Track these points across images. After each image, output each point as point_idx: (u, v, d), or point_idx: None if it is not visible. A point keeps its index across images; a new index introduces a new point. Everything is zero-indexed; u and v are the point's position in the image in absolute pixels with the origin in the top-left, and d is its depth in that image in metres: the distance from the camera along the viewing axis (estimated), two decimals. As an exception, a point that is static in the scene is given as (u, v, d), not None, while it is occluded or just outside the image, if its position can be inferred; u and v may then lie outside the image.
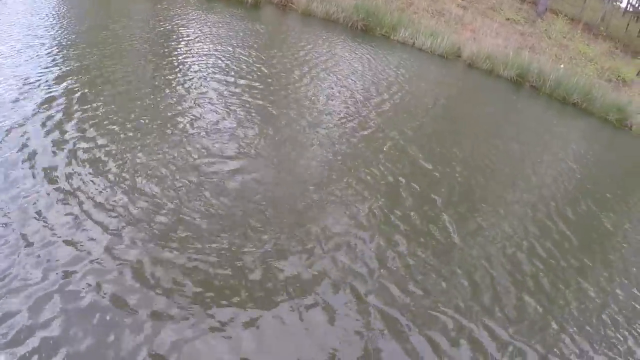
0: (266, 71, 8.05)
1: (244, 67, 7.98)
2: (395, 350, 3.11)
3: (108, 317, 2.73)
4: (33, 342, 2.49)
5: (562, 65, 14.78)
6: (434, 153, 6.57)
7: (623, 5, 31.00)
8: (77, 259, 3.03)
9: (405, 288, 3.68)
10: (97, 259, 3.08)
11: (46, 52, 6.57)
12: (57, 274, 2.89)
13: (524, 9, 20.31)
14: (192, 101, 6.04)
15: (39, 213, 3.32)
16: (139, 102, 5.58)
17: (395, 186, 5.33)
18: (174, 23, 9.93)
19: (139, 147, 4.56)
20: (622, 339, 3.95)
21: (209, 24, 10.62)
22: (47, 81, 5.57)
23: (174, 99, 5.99)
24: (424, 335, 3.29)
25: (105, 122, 4.86)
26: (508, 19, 18.74)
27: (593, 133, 12.35)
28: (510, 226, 5.30)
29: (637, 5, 30.75)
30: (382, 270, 3.81)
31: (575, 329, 3.87)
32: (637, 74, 17.51)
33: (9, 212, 3.26)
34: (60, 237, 3.17)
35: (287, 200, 4.47)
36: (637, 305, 4.53)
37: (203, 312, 2.94)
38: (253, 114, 6.10)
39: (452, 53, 14.04)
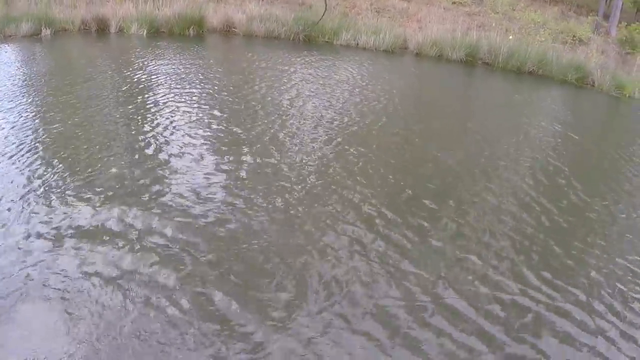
0: (220, 99, 8.11)
1: (208, 99, 8.04)
2: None
3: None
4: None
5: (511, 37, 14.54)
6: (408, 155, 6.48)
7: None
8: None
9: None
10: None
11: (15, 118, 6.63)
12: None
13: (469, -10, 20.18)
14: (165, 139, 6.15)
15: None
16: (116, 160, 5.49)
17: (380, 191, 5.36)
18: (130, 70, 9.79)
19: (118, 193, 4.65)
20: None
21: (163, 63, 10.63)
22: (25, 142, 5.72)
23: (150, 145, 6.01)
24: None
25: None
26: (454, 3, 18.59)
27: (555, 97, 12.11)
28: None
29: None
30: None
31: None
32: (593, 32, 17.34)
33: None
34: None
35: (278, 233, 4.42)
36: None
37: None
38: (229, 146, 6.16)
39: (398, 46, 13.84)
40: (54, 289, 3.40)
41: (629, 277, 4.40)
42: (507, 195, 5.51)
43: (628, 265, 4.59)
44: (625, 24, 17.57)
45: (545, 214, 5.18)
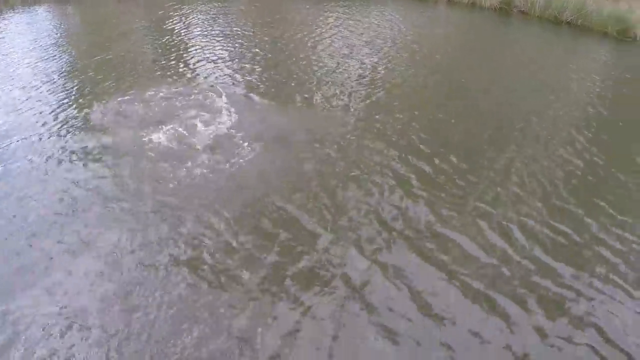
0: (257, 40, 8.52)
1: (243, 50, 8.30)
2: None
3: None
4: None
5: (548, -17, 13.56)
6: (449, 108, 6.34)
7: None
8: None
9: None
10: None
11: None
12: None
13: None
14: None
15: None
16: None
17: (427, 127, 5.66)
18: (175, 24, 10.08)
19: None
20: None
21: (193, 16, 10.77)
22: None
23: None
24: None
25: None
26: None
27: (596, 50, 11.32)
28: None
29: None
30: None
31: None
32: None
33: None
34: None
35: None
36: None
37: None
38: (269, 93, 6.55)
39: (429, -8, 13.00)
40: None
41: None
42: (548, 149, 5.42)
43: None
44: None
45: (588, 168, 4.89)
